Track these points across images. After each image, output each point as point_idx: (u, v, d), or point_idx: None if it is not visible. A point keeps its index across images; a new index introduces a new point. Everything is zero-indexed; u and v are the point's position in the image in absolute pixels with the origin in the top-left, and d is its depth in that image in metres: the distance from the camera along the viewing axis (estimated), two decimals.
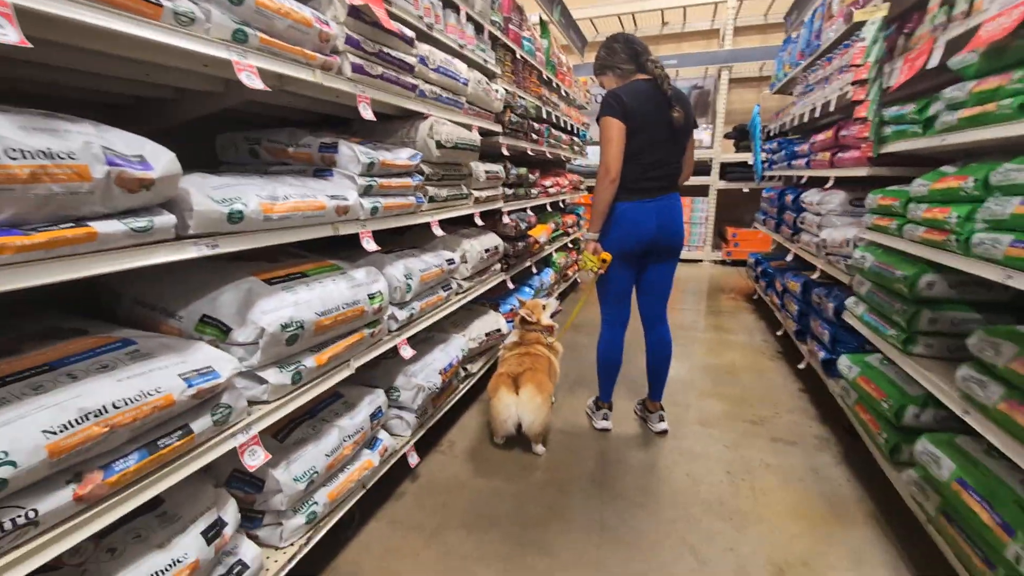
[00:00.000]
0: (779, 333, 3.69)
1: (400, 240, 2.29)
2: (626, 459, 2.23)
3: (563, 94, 4.70)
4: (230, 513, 1.24)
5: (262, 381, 1.28)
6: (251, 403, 1.27)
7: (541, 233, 3.69)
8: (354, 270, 1.66)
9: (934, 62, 1.72)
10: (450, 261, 2.23)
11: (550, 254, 4.33)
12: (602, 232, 2.17)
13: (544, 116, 3.75)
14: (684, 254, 2.30)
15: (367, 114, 1.60)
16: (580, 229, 5.40)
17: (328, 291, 1.47)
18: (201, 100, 1.52)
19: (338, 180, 1.59)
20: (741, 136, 6.38)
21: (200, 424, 1.08)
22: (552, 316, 2.76)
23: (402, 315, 1.88)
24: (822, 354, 2.59)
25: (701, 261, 6.99)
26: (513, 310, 3.14)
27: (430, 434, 2.32)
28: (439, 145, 2.01)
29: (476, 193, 2.53)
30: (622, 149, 2.00)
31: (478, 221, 2.64)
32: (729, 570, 1.61)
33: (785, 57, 4.61)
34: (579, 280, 5.58)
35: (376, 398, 1.81)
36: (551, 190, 4.06)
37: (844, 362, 2.20)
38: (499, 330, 2.81)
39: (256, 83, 1.16)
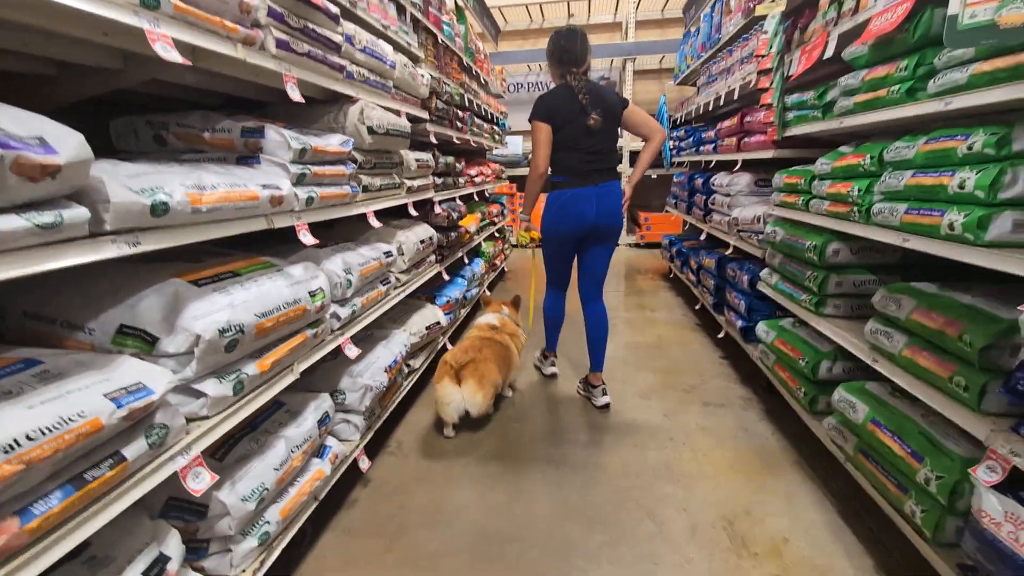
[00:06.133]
0: (697, 307, 3.98)
1: (331, 234, 2.14)
2: (576, 435, 2.29)
3: (482, 82, 4.66)
4: (173, 547, 1.09)
5: (200, 394, 1.14)
6: (189, 420, 1.13)
7: (471, 223, 3.65)
8: (290, 267, 1.52)
9: (829, 53, 1.92)
10: (387, 253, 2.13)
11: (479, 244, 4.31)
12: (545, 216, 2.39)
13: (467, 104, 3.70)
14: None
15: (295, 95, 1.47)
16: (504, 219, 5.42)
17: (266, 290, 1.33)
18: (91, 78, 1.30)
19: (267, 168, 1.44)
20: None
21: (134, 449, 0.94)
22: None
23: (344, 312, 1.76)
24: (739, 323, 2.83)
25: (618, 245, 7.33)
26: (484, 295, 3.09)
27: (377, 435, 2.22)
28: (371, 131, 1.89)
29: (408, 182, 2.44)
30: (549, 149, 2.25)
31: (411, 211, 2.54)
32: (685, 528, 1.72)
33: (687, 50, 4.93)
34: (506, 269, 5.62)
35: (322, 403, 1.69)
36: (476, 179, 4.02)
37: (762, 328, 2.42)
38: (438, 323, 2.74)
39: (173, 55, 1.01)
